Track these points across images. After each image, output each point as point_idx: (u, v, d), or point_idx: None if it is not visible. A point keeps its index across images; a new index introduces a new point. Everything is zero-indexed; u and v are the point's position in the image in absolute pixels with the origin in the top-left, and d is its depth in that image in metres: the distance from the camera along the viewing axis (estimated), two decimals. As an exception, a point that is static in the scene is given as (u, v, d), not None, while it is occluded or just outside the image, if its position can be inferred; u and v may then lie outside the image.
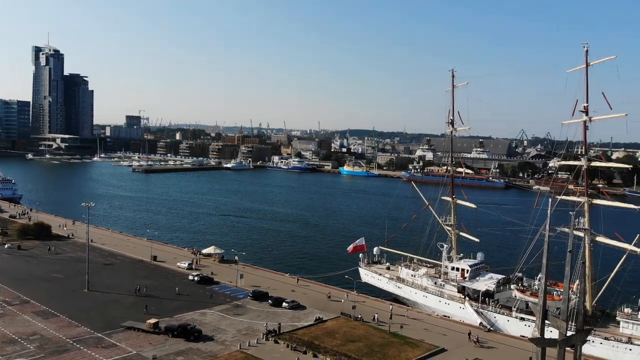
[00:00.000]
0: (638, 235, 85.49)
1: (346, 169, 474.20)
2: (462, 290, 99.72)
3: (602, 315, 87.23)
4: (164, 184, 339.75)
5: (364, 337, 79.87)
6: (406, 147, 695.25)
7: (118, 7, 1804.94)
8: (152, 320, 79.10)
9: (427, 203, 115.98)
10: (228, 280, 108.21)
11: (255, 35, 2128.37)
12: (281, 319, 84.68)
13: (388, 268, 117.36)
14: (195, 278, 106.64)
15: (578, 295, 55.22)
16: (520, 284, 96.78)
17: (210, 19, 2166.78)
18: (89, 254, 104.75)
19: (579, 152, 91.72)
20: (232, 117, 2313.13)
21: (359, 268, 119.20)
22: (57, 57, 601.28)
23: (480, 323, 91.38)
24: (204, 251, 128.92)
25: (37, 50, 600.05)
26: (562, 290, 64.31)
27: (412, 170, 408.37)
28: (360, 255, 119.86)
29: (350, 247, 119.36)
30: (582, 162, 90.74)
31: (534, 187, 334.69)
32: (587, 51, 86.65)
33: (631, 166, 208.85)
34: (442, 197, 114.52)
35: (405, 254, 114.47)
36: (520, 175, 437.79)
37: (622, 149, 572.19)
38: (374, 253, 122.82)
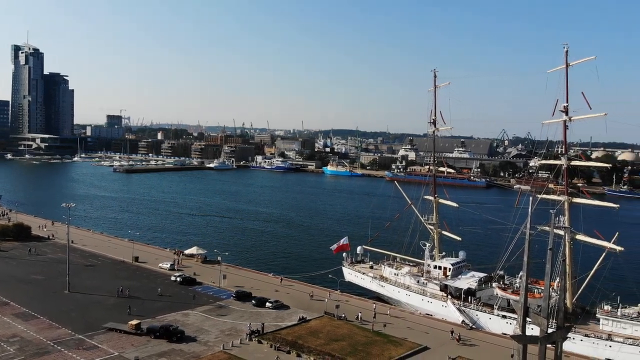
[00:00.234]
0: (617, 233, 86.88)
1: (330, 168, 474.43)
2: (444, 288, 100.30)
3: (583, 312, 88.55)
4: (145, 184, 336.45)
5: (348, 336, 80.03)
6: (389, 147, 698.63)
7: (98, 6, 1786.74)
8: (134, 322, 78.51)
9: (410, 202, 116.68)
10: (211, 280, 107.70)
11: (238, 34, 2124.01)
12: (265, 319, 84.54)
13: (371, 267, 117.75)
14: (178, 279, 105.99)
15: (559, 292, 55.75)
16: (501, 282, 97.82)
17: (191, 17, 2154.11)
18: (70, 255, 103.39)
19: (559, 152, 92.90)
20: (214, 116, 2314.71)
21: (343, 267, 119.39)
22: (36, 56, 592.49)
23: (463, 321, 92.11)
24: (187, 252, 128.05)
25: (17, 49, 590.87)
26: (543, 287, 65.20)
27: (395, 170, 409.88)
28: (344, 254, 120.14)
29: (334, 247, 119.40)
30: (562, 162, 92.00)
31: (515, 187, 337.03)
32: (567, 52, 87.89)
33: (610, 165, 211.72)
34: (425, 197, 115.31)
35: (389, 252, 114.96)
36: (502, 174, 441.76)
37: (602, 148, 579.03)
38: (358, 252, 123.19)
